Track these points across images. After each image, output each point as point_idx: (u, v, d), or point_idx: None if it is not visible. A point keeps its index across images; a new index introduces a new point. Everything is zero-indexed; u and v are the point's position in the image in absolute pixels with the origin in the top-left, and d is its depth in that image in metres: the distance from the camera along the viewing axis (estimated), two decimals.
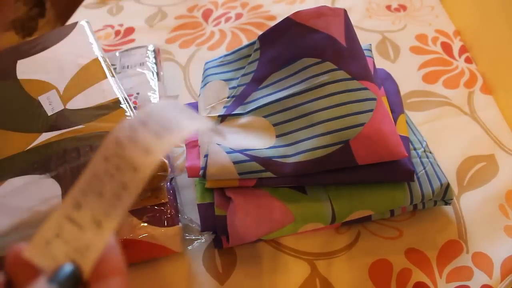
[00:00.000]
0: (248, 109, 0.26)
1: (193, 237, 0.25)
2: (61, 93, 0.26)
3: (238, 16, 0.43)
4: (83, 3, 0.48)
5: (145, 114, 0.14)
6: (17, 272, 0.13)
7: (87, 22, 0.31)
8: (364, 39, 0.31)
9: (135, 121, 0.13)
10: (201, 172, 0.24)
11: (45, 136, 0.24)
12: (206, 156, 0.24)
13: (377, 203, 0.24)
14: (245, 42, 0.39)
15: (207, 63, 0.31)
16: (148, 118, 0.14)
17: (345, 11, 0.27)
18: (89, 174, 0.13)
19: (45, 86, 0.27)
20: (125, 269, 0.13)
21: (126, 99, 0.26)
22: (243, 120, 0.26)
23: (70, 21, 0.45)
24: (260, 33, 0.29)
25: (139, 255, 0.24)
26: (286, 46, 0.27)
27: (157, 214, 0.24)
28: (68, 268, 0.12)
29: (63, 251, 0.13)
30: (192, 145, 0.26)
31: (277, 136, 0.25)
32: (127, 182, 0.13)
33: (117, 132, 0.13)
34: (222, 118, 0.27)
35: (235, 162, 0.23)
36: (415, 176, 0.24)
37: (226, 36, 0.41)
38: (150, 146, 0.13)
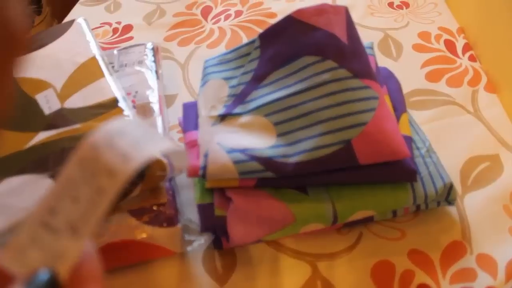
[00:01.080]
0: (249, 108, 0.26)
1: (193, 238, 0.25)
2: (59, 92, 0.26)
3: (238, 13, 0.43)
4: (80, 0, 0.48)
5: (121, 127, 0.13)
6: None
7: (85, 19, 0.31)
8: (366, 37, 0.31)
9: (111, 130, 0.13)
10: (200, 171, 0.24)
11: (42, 135, 0.24)
12: (206, 155, 0.24)
13: (379, 203, 0.23)
14: (245, 40, 0.39)
15: (206, 61, 0.31)
16: (125, 129, 0.13)
17: (346, 8, 0.27)
18: (63, 178, 0.13)
19: (42, 85, 0.26)
20: (101, 277, 0.13)
21: (124, 97, 0.26)
22: (243, 119, 0.26)
23: (67, 18, 0.45)
24: (260, 31, 0.28)
25: (138, 255, 0.24)
26: (286, 44, 0.27)
27: (157, 215, 0.24)
28: (44, 274, 0.12)
29: (39, 258, 0.12)
30: (192, 144, 0.26)
31: (278, 136, 0.24)
32: (102, 187, 0.13)
33: (94, 136, 0.13)
34: (222, 117, 0.26)
35: (235, 162, 0.23)
36: (418, 176, 0.24)
37: (226, 34, 0.40)
38: (128, 153, 0.13)
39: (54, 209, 0.13)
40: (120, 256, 0.23)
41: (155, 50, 0.35)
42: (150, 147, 0.13)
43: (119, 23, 0.43)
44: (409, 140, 0.25)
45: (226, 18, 0.43)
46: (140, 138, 0.13)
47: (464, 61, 0.34)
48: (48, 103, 0.25)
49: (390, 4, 0.41)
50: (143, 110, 0.28)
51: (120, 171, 0.12)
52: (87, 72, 0.27)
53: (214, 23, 0.42)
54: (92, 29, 0.32)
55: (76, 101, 0.25)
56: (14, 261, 0.12)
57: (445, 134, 0.29)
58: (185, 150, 0.21)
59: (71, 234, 0.12)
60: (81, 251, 0.12)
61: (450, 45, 0.36)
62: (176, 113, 0.32)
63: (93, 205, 0.13)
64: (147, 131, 0.14)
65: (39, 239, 0.12)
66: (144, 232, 0.23)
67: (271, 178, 0.23)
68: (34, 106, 0.25)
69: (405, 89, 0.31)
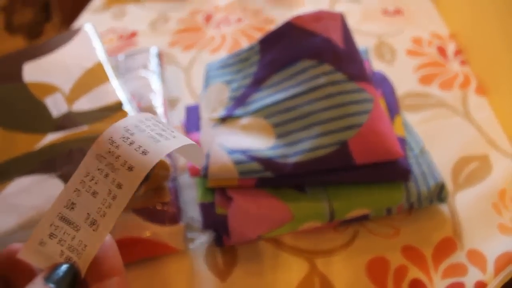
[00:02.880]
0: (249, 110, 0.27)
1: (195, 236, 0.26)
2: (66, 95, 0.27)
3: (239, 20, 0.44)
4: (88, 8, 0.49)
5: (138, 121, 0.13)
6: (14, 273, 0.13)
7: (92, 26, 0.32)
8: (362, 42, 0.32)
9: (129, 123, 0.13)
10: (202, 172, 0.24)
11: (51, 137, 0.25)
12: (207, 156, 0.25)
13: (375, 201, 0.24)
14: (245, 45, 0.40)
15: (208, 65, 0.32)
16: (142, 124, 0.13)
17: (342, 15, 0.28)
18: (82, 172, 0.13)
19: (51, 89, 0.27)
20: (123, 269, 0.13)
21: (129, 101, 0.27)
22: (244, 121, 0.27)
23: (75, 25, 0.45)
24: (260, 36, 0.29)
25: (142, 253, 0.24)
26: (285, 49, 0.28)
27: (160, 213, 0.24)
28: (64, 267, 0.12)
29: (58, 251, 0.12)
30: None
31: (277, 137, 0.25)
32: (122, 181, 0.12)
33: (111, 131, 0.13)
34: (223, 119, 0.27)
35: (235, 163, 0.24)
36: (411, 176, 0.25)
37: (227, 39, 0.42)
38: (146, 147, 0.13)
39: (73, 203, 0.13)
40: (125, 254, 0.24)
41: (159, 55, 0.36)
42: (168, 143, 0.13)
43: (124, 29, 0.45)
44: (403, 141, 0.26)
45: (228, 24, 0.44)
46: (157, 133, 0.13)
47: (455, 65, 0.36)
48: (56, 106, 0.26)
49: (384, 11, 0.43)
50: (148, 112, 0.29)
51: (139, 166, 0.12)
52: (94, 77, 0.28)
53: (216, 29, 0.43)
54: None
55: (83, 104, 0.26)
56: (34, 254, 0.12)
57: (437, 135, 0.30)
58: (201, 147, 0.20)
59: (91, 228, 0.13)
60: (100, 244, 0.12)
61: (441, 50, 0.37)
62: (179, 116, 0.33)
63: (112, 199, 0.12)
64: (164, 126, 0.14)
65: (59, 233, 0.13)
66: (148, 230, 0.24)
67: (270, 178, 0.24)
68: (42, 109, 0.26)
69: (399, 92, 0.32)
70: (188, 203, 0.27)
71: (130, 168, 0.13)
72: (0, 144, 0.25)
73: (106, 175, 0.13)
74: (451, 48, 0.37)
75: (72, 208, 0.13)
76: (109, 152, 0.13)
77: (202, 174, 0.24)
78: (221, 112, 0.28)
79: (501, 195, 0.27)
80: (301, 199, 0.24)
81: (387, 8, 0.43)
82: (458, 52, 0.37)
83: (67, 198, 0.13)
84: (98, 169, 0.13)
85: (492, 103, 0.32)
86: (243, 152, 0.24)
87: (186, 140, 0.14)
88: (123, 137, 0.13)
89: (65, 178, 0.23)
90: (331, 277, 0.24)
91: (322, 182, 0.24)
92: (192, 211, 0.27)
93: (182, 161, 0.30)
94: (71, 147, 0.24)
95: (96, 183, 0.13)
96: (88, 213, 0.13)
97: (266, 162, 0.24)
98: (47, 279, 0.12)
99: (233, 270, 0.24)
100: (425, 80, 0.35)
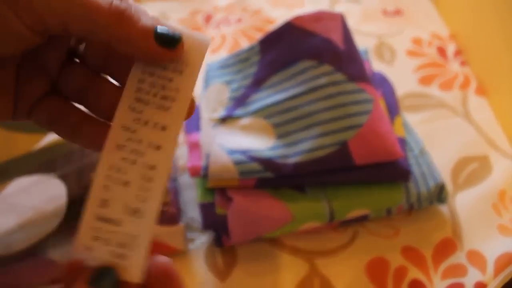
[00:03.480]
0: (249, 111, 0.27)
1: (195, 236, 0.26)
2: None
3: (239, 20, 0.44)
4: None
5: (137, 89, 0.13)
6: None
7: None
8: (362, 42, 0.32)
9: (130, 100, 0.13)
10: (202, 172, 0.24)
11: (50, 137, 0.25)
12: (207, 156, 0.25)
13: (374, 202, 0.24)
14: (245, 45, 0.40)
15: (208, 65, 0.32)
16: (141, 92, 0.13)
17: (342, 15, 0.28)
18: (105, 167, 0.12)
19: None
20: None
21: None
22: (244, 121, 0.27)
23: None
24: (260, 36, 0.30)
25: None
26: (285, 49, 0.28)
27: (160, 214, 0.24)
28: (106, 270, 0.12)
29: (108, 251, 0.12)
30: (194, 145, 0.27)
31: (277, 137, 0.25)
32: (153, 163, 0.12)
33: (120, 119, 0.12)
34: (223, 119, 0.27)
35: (235, 163, 0.24)
36: (411, 176, 0.25)
37: (227, 39, 0.42)
38: (162, 121, 0.12)
39: (105, 201, 0.12)
40: None
41: None
42: (177, 106, 0.12)
43: None
44: (402, 141, 0.26)
45: (228, 24, 0.44)
46: (162, 97, 0.12)
47: (455, 66, 0.36)
48: None
49: (384, 12, 0.43)
50: None
51: (165, 142, 0.12)
52: None
53: (216, 30, 0.43)
54: None
55: None
56: (87, 262, 0.12)
57: (437, 135, 0.30)
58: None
59: (134, 217, 0.12)
60: (151, 231, 0.12)
61: (441, 51, 0.37)
62: None
63: (149, 182, 0.12)
64: (160, 80, 0.13)
65: (102, 234, 0.12)
66: None
67: (270, 178, 0.24)
68: None
69: (399, 93, 0.32)
70: (188, 203, 0.27)
71: (158, 147, 0.12)
72: (0, 144, 0.25)
73: (134, 162, 0.12)
74: (451, 48, 0.37)
75: (107, 205, 0.12)
76: (128, 139, 0.12)
77: (202, 175, 0.24)
78: (221, 113, 0.28)
79: (501, 195, 0.27)
80: (301, 200, 0.24)
81: (387, 9, 0.43)
82: (458, 53, 0.37)
83: (98, 197, 0.12)
84: (123, 159, 0.12)
85: (492, 104, 0.32)
86: (243, 152, 0.24)
87: (190, 86, 0.13)
88: (135, 120, 0.12)
89: (65, 178, 0.23)
90: (331, 278, 0.24)
91: (322, 183, 0.24)
92: (192, 211, 0.27)
93: (182, 161, 0.30)
94: (71, 147, 0.24)
95: (124, 173, 0.12)
96: (125, 205, 0.12)
97: (266, 163, 0.24)
98: (90, 283, 0.12)
99: (233, 271, 0.24)
100: (425, 80, 0.35)
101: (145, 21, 0.12)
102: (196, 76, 0.13)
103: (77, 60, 0.14)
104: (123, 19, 0.12)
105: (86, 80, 0.14)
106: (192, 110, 0.13)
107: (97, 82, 0.14)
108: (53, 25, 0.12)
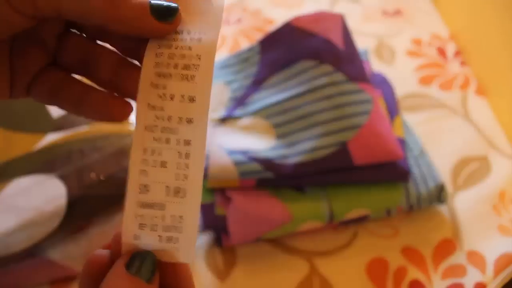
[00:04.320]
0: (249, 111, 0.27)
1: None
2: None
3: (239, 20, 0.44)
4: None
5: (155, 65, 0.12)
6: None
7: None
8: (362, 43, 0.32)
9: (151, 77, 0.12)
10: None
11: (50, 137, 0.25)
12: (207, 157, 0.25)
13: (374, 202, 0.24)
14: (245, 46, 0.40)
15: None
16: (161, 68, 0.12)
17: (342, 16, 0.28)
18: (138, 152, 0.12)
19: None
20: None
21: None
22: (244, 121, 0.27)
23: None
24: (260, 37, 0.30)
25: None
26: (285, 50, 0.28)
27: None
28: (144, 254, 0.12)
29: (156, 237, 0.11)
30: None
31: (277, 137, 0.25)
32: (188, 137, 0.11)
33: (143, 98, 0.12)
34: (223, 120, 0.27)
35: (235, 163, 0.24)
36: (410, 176, 0.25)
37: (227, 40, 0.42)
38: (191, 93, 0.11)
39: (145, 186, 0.11)
40: None
41: None
42: (200, 66, 0.11)
43: None
44: (402, 142, 0.26)
45: (228, 25, 0.44)
46: (185, 65, 0.12)
47: (455, 66, 0.36)
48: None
49: (384, 12, 0.43)
50: None
51: (196, 114, 0.11)
52: None
53: None
54: None
55: None
56: (132, 250, 0.12)
57: (437, 136, 0.30)
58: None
59: (177, 197, 0.11)
60: (197, 208, 0.11)
61: (441, 51, 0.37)
62: None
63: (187, 158, 0.11)
64: (181, 51, 0.12)
65: (147, 221, 0.11)
66: None
67: (270, 178, 0.24)
68: (42, 109, 0.26)
69: (399, 93, 0.32)
70: None
71: (190, 121, 0.11)
72: (0, 144, 0.25)
73: (167, 141, 0.11)
74: (451, 49, 0.37)
75: (147, 190, 0.12)
76: (157, 117, 0.11)
77: None
78: (221, 113, 0.28)
79: (501, 196, 0.27)
80: (301, 200, 0.24)
81: (387, 9, 0.43)
82: (458, 53, 0.37)
83: (137, 183, 0.12)
84: (155, 140, 0.12)
85: (492, 104, 0.32)
86: (243, 152, 0.24)
87: (211, 49, 0.12)
88: (160, 96, 0.12)
89: (65, 178, 0.23)
90: (330, 278, 0.24)
91: (322, 183, 0.24)
92: None
93: None
94: (71, 147, 0.24)
95: (159, 154, 0.12)
96: (166, 186, 0.11)
97: (266, 163, 0.24)
98: (128, 267, 0.11)
99: (233, 271, 0.24)
100: (425, 81, 0.35)
101: (139, 1, 0.11)
102: (217, 37, 0.12)
103: (75, 31, 0.14)
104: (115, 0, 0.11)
105: (86, 50, 0.13)
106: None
107: (97, 51, 0.13)
108: (45, 9, 0.11)
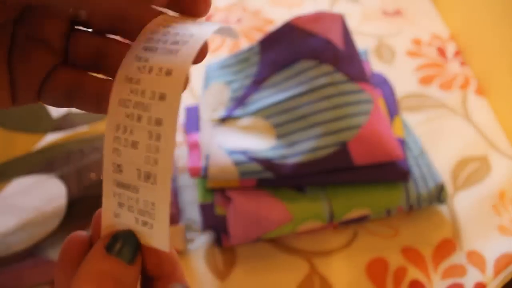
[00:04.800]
0: (249, 111, 0.27)
1: (195, 236, 0.26)
2: None
3: (239, 20, 0.44)
4: None
5: (146, 40, 0.11)
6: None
7: None
8: (361, 43, 0.32)
9: (137, 50, 0.11)
10: (202, 172, 0.24)
11: (50, 138, 0.25)
12: (207, 157, 0.25)
13: (374, 202, 0.24)
14: (245, 46, 0.40)
15: (208, 66, 0.32)
16: (151, 43, 0.11)
17: (342, 16, 0.28)
18: (112, 128, 0.11)
19: None
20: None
21: None
22: (244, 121, 0.27)
23: None
24: (260, 37, 0.30)
25: None
26: (285, 50, 0.28)
27: None
28: (125, 233, 0.11)
29: (133, 218, 0.11)
30: (194, 146, 0.27)
31: (277, 137, 0.25)
32: (159, 115, 0.10)
33: (123, 70, 0.11)
34: (223, 120, 0.27)
35: (236, 163, 0.24)
36: (410, 177, 0.25)
37: (227, 40, 0.42)
38: (169, 66, 0.10)
39: (118, 166, 0.11)
40: None
41: None
42: (188, 48, 0.10)
43: None
44: (402, 142, 0.26)
45: (228, 25, 0.44)
46: (172, 42, 0.11)
47: (454, 66, 0.36)
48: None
49: (384, 12, 0.43)
50: None
51: (169, 89, 0.10)
52: None
53: None
54: None
55: None
56: (113, 228, 0.11)
57: (437, 136, 0.30)
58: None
59: (148, 183, 0.11)
60: (167, 197, 0.10)
61: (441, 51, 0.37)
62: (179, 116, 0.33)
63: (157, 140, 0.10)
64: (175, 30, 0.11)
65: (125, 200, 0.11)
66: None
67: (270, 178, 0.24)
68: (42, 109, 0.26)
69: (399, 93, 0.32)
70: (188, 203, 0.27)
71: (162, 97, 0.10)
72: (0, 144, 0.25)
73: (139, 118, 0.10)
74: (450, 49, 0.37)
75: (121, 170, 0.11)
76: (131, 91, 0.11)
77: (202, 175, 0.24)
78: (221, 113, 0.28)
79: (501, 196, 0.27)
80: (301, 200, 0.24)
81: (386, 9, 0.43)
82: (458, 53, 0.37)
83: (111, 162, 0.11)
84: (127, 116, 0.11)
85: (492, 104, 0.32)
86: (243, 152, 0.24)
87: (207, 31, 0.11)
88: (139, 68, 0.11)
89: (64, 178, 0.23)
90: (330, 278, 0.24)
91: (321, 183, 0.24)
92: (191, 211, 0.27)
93: (182, 161, 0.30)
94: (70, 147, 0.24)
95: (131, 132, 0.11)
96: (137, 169, 0.11)
97: (266, 163, 0.24)
98: (108, 248, 0.11)
99: (233, 271, 0.24)
100: (425, 81, 0.35)
101: None
102: (212, 26, 0.11)
103: (81, 28, 0.13)
104: None
105: (97, 45, 0.13)
106: (204, 53, 0.11)
107: (109, 45, 0.13)
108: None
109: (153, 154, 0.10)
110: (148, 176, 0.11)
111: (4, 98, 0.12)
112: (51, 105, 0.13)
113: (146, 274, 0.12)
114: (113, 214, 0.11)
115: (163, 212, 0.11)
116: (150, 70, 0.11)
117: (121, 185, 0.11)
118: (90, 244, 0.12)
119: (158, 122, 0.10)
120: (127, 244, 0.11)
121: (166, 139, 0.10)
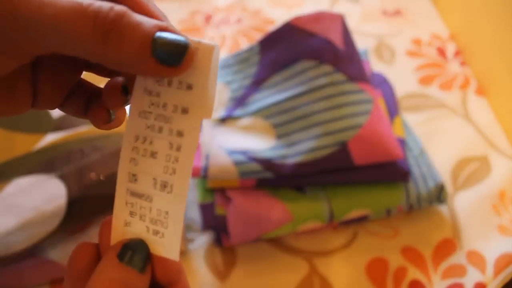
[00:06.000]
0: (249, 111, 0.27)
1: (195, 236, 0.26)
2: None
3: (239, 20, 0.44)
4: None
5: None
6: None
7: None
8: (361, 43, 0.32)
9: None
10: (202, 172, 0.24)
11: (50, 137, 0.25)
12: (207, 157, 0.25)
13: (374, 202, 0.24)
14: (245, 46, 0.40)
15: None
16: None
17: (342, 16, 0.28)
18: (130, 139, 0.11)
19: None
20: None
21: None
22: (244, 121, 0.27)
23: None
24: (260, 37, 0.30)
25: None
26: (285, 50, 0.28)
27: None
28: (136, 243, 0.11)
29: (144, 227, 0.11)
30: None
31: (277, 137, 0.25)
32: (181, 128, 0.11)
33: (141, 82, 0.11)
34: (223, 120, 0.27)
35: (235, 163, 0.24)
36: (410, 176, 0.25)
37: (227, 40, 0.42)
38: (188, 79, 0.10)
39: (134, 175, 0.11)
40: None
41: None
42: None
43: None
44: (402, 142, 0.26)
45: (228, 25, 0.44)
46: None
47: (454, 66, 0.36)
48: None
49: (384, 12, 0.43)
50: None
51: (193, 103, 0.10)
52: (94, 76, 0.28)
53: (215, 30, 0.43)
54: None
55: None
56: (123, 237, 0.11)
57: (437, 136, 0.30)
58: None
59: (164, 192, 0.11)
60: (184, 205, 0.11)
61: (441, 51, 0.37)
62: None
63: (177, 151, 0.11)
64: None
65: (136, 209, 0.11)
66: None
67: (270, 178, 0.24)
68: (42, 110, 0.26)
69: (399, 93, 0.32)
70: (188, 203, 0.27)
71: (185, 110, 0.10)
72: (0, 144, 0.25)
73: (160, 129, 0.11)
74: (450, 49, 0.37)
75: (136, 179, 0.11)
76: (152, 104, 0.11)
77: (202, 175, 0.24)
78: (221, 113, 0.28)
79: (501, 196, 0.27)
80: (301, 200, 0.24)
81: (386, 9, 0.43)
82: (457, 53, 0.37)
83: (126, 171, 0.11)
84: (148, 127, 0.11)
85: (492, 104, 0.32)
86: (243, 152, 0.24)
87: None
88: (158, 81, 0.11)
89: (64, 178, 0.23)
90: (330, 278, 0.24)
91: (321, 183, 0.24)
92: (191, 211, 0.27)
93: None
94: (70, 147, 0.24)
95: (151, 142, 0.11)
96: (154, 178, 0.11)
97: (266, 163, 0.24)
98: (120, 256, 0.11)
99: (233, 271, 0.24)
100: (425, 81, 0.35)
101: (140, 34, 0.10)
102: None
103: None
104: (110, 39, 0.09)
105: None
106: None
107: None
108: (36, 51, 0.10)
109: (172, 164, 0.11)
110: (164, 185, 0.11)
111: (24, 106, 0.12)
112: (70, 114, 0.13)
113: (154, 281, 0.12)
114: (123, 223, 0.12)
115: (177, 221, 0.11)
116: (170, 83, 0.11)
117: (134, 194, 0.11)
118: (97, 253, 0.12)
119: (180, 134, 0.11)
120: (138, 252, 0.11)
121: (186, 150, 0.11)
